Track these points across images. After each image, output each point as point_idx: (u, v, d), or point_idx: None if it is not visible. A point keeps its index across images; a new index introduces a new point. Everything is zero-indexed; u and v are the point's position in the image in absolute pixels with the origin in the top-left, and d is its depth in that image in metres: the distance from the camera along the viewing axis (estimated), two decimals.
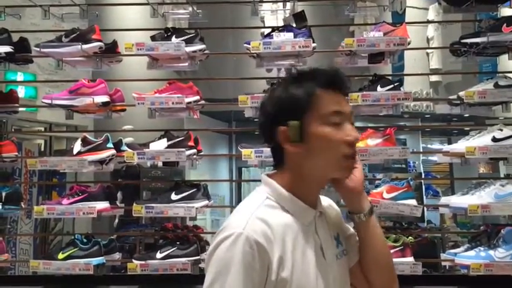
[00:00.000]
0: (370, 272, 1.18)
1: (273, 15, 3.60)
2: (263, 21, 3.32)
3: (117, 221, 4.67)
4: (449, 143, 7.14)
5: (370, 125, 6.12)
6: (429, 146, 8.58)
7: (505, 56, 2.57)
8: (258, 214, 1.05)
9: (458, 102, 2.52)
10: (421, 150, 7.98)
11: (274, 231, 1.03)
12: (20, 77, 4.78)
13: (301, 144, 1.08)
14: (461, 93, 2.44)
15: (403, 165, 7.06)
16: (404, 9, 5.57)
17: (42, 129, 5.46)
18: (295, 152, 1.10)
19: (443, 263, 2.60)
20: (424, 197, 7.40)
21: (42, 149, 5.43)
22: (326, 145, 1.08)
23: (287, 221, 1.08)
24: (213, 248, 1.02)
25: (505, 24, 2.40)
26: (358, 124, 6.58)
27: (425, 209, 6.45)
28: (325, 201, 1.24)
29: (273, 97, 1.14)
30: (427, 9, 6.64)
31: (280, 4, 3.10)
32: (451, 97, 2.60)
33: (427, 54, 6.99)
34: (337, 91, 1.11)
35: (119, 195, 4.15)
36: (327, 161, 1.09)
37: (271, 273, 1.00)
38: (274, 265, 1.00)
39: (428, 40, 6.98)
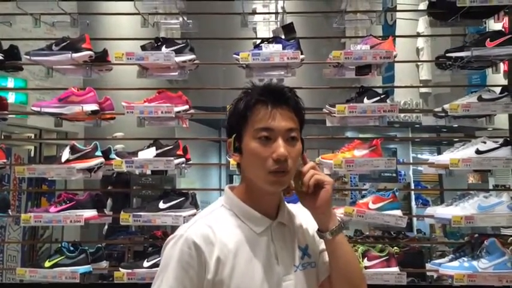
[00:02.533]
0: (335, 286, 1.20)
1: (265, 26, 3.64)
2: (255, 32, 3.35)
3: (106, 227, 4.65)
4: (439, 152, 7.20)
5: (361, 135, 6.19)
6: (419, 155, 8.67)
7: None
8: (206, 219, 1.16)
9: (443, 114, 2.56)
10: (411, 160, 8.05)
11: (217, 235, 1.11)
12: (10, 82, 4.77)
13: (240, 155, 1.16)
14: (446, 106, 2.48)
15: (393, 175, 7.12)
16: (395, 21, 5.65)
17: (32, 136, 5.44)
18: (239, 162, 1.18)
19: (429, 273, 2.63)
20: (414, 206, 7.45)
21: (32, 154, 5.41)
22: (254, 160, 1.13)
23: (237, 228, 1.15)
24: (163, 248, 1.15)
25: (488, 39, 2.45)
26: (349, 134, 6.66)
27: (414, 218, 6.53)
28: (301, 213, 1.26)
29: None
30: (417, 20, 6.73)
31: (272, 14, 3.14)
32: (436, 109, 2.64)
33: (417, 65, 7.08)
34: (276, 107, 1.13)
35: (109, 202, 4.14)
36: (256, 174, 1.14)
37: (208, 272, 1.08)
38: (211, 265, 1.09)
39: (418, 51, 7.07)
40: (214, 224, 1.14)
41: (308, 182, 1.16)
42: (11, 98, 4.66)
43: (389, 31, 5.20)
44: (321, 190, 1.16)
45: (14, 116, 3.57)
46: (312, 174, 1.17)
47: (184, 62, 2.60)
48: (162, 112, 2.53)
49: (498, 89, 2.57)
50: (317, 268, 1.23)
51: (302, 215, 1.26)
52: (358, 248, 2.45)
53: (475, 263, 2.31)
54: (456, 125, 2.71)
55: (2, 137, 4.72)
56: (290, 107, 1.16)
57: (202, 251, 1.09)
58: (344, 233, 1.21)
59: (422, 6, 5.10)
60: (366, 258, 2.40)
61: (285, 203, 1.26)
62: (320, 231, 1.19)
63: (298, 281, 1.16)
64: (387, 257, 2.40)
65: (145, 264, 2.42)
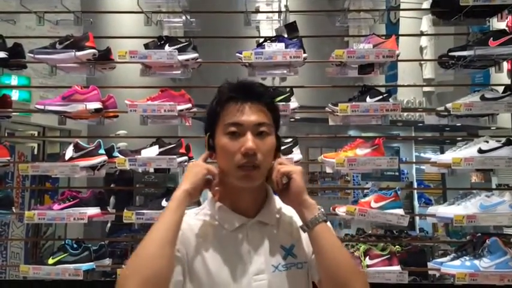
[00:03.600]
0: (323, 283, 1.14)
1: (268, 25, 3.65)
2: (259, 30, 3.36)
3: (109, 225, 4.68)
4: (442, 151, 7.21)
5: (363, 134, 6.19)
6: (422, 154, 8.66)
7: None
8: (185, 221, 1.15)
9: (446, 113, 2.56)
10: (414, 159, 8.04)
11: (184, 233, 1.13)
12: (14, 80, 4.80)
13: (215, 153, 1.17)
14: (448, 105, 2.48)
15: (396, 173, 7.12)
16: (398, 20, 5.64)
17: (36, 133, 5.47)
18: (215, 160, 1.18)
19: (431, 272, 2.64)
20: (417, 205, 7.46)
21: (36, 152, 5.43)
22: (224, 155, 1.13)
23: (207, 226, 1.17)
24: None
25: (491, 38, 2.44)
26: (352, 133, 6.65)
27: (417, 217, 6.54)
28: (288, 212, 1.24)
29: None
30: (420, 18, 6.72)
31: (276, 13, 3.14)
32: (438, 108, 2.64)
33: (420, 64, 7.06)
34: (246, 102, 1.13)
35: (112, 199, 4.16)
36: (227, 169, 1.14)
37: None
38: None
39: (421, 49, 7.05)
40: (185, 223, 1.14)
41: (275, 179, 1.15)
42: (14, 95, 4.69)
43: (392, 30, 5.18)
44: (290, 181, 1.14)
45: (17, 113, 3.60)
46: (278, 169, 1.15)
47: (187, 60, 2.61)
48: (165, 110, 2.54)
49: (501, 88, 2.57)
50: (307, 269, 1.19)
51: (294, 214, 1.21)
52: (360, 246, 2.46)
53: (476, 262, 2.30)
54: (459, 124, 2.72)
55: (6, 135, 4.75)
56: (262, 102, 1.15)
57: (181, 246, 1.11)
58: (328, 225, 1.15)
59: (426, 5, 5.08)
60: (368, 256, 2.41)
61: (275, 202, 1.23)
62: (302, 225, 1.15)
63: (276, 281, 1.13)
64: (389, 256, 2.41)
65: None
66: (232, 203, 1.18)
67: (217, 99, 1.17)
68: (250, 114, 1.12)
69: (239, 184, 1.14)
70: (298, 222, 1.19)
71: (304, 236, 1.18)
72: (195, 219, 1.19)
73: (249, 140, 1.10)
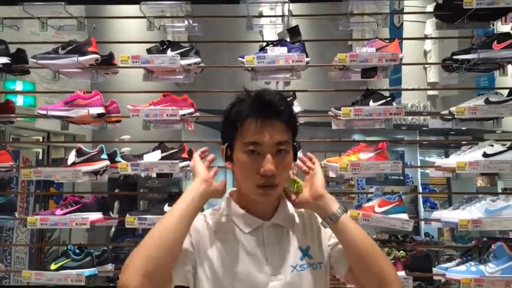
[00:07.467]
0: (356, 274, 1.17)
1: (272, 29, 3.65)
2: (262, 35, 3.35)
3: (113, 230, 4.68)
4: (447, 155, 7.16)
5: (368, 138, 6.16)
6: (427, 158, 8.60)
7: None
8: (203, 217, 1.24)
9: (450, 117, 2.54)
10: (419, 163, 7.99)
11: (204, 230, 1.20)
12: (19, 85, 4.82)
13: (233, 164, 1.19)
14: (452, 109, 2.46)
15: (401, 177, 7.08)
16: (402, 23, 5.64)
17: (40, 138, 5.49)
18: (232, 169, 1.21)
19: (435, 277, 2.61)
20: (422, 209, 7.40)
21: (40, 157, 5.45)
22: (243, 172, 1.16)
23: (225, 227, 1.21)
24: None
25: (495, 42, 2.43)
26: (356, 137, 6.62)
27: (422, 221, 6.48)
28: (306, 215, 1.28)
29: None
30: (424, 22, 6.70)
31: (279, 17, 3.13)
32: (443, 112, 2.61)
33: (425, 67, 7.03)
34: (265, 120, 1.12)
35: (116, 204, 4.16)
36: (245, 186, 1.18)
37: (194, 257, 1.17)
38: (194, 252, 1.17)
39: (425, 53, 7.02)
40: (202, 222, 1.22)
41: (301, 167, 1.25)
42: (19, 100, 4.70)
43: (396, 33, 5.19)
44: (313, 175, 1.23)
45: (22, 119, 3.61)
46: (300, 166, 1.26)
47: (189, 65, 2.61)
48: (167, 115, 2.54)
49: (506, 92, 2.54)
50: (324, 268, 1.22)
51: (307, 217, 1.27)
52: None
53: (482, 267, 2.28)
54: (464, 128, 2.69)
55: (11, 140, 4.76)
56: (281, 120, 1.14)
57: (191, 236, 1.18)
58: (349, 215, 1.19)
59: (430, 8, 5.07)
60: None
61: (287, 205, 1.26)
62: (324, 220, 1.17)
63: (294, 281, 1.16)
64: (393, 261, 2.37)
65: None
66: (250, 206, 1.21)
67: (236, 111, 1.15)
68: (269, 134, 1.12)
69: (256, 199, 1.17)
70: (311, 225, 1.25)
71: (318, 238, 1.24)
72: (211, 218, 1.23)
73: (269, 162, 1.10)
